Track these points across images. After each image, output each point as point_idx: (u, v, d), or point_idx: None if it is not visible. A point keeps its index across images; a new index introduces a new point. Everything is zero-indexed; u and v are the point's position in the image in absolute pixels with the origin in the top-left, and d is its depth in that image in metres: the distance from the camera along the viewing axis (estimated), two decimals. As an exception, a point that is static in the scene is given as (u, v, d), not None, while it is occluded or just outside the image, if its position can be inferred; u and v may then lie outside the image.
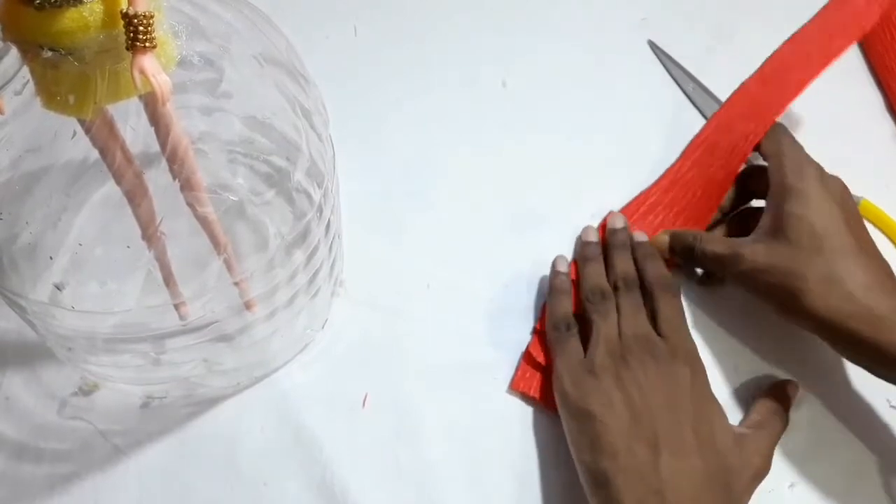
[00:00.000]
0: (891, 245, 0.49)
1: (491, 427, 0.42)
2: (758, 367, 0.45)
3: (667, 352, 0.40)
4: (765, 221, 0.43)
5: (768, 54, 0.57)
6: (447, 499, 0.40)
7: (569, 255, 0.48)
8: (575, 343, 0.42)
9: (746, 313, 0.46)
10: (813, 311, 0.39)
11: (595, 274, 0.45)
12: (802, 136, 0.53)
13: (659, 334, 0.41)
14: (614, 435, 0.37)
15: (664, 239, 0.46)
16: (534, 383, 0.43)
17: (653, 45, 0.59)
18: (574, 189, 0.51)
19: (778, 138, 0.46)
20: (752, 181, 0.48)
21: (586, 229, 0.48)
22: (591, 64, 0.57)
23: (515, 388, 0.43)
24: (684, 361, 0.40)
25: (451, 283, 0.47)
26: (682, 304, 0.43)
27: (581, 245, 0.47)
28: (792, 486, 0.41)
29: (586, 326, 0.43)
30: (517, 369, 0.43)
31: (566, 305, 0.44)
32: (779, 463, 0.41)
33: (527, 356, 0.44)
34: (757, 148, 0.47)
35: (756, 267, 0.41)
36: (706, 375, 0.40)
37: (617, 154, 0.53)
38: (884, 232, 0.50)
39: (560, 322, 0.43)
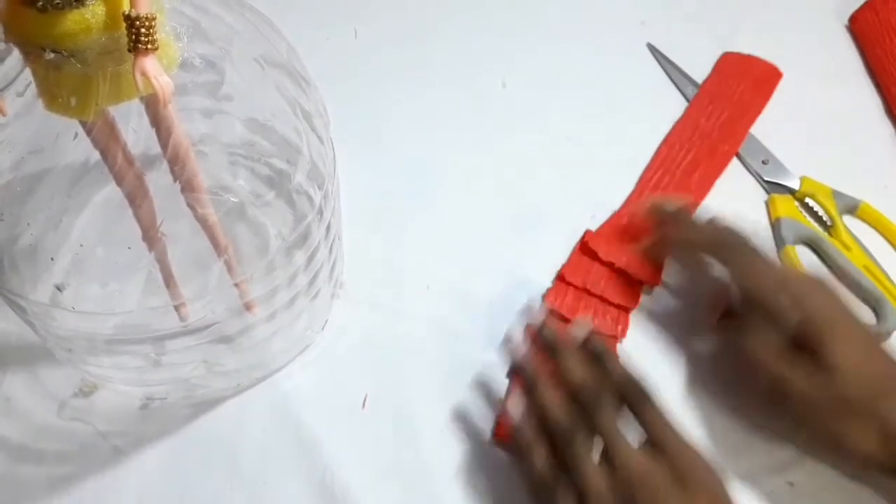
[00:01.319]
0: (889, 247, 0.49)
1: (490, 426, 0.42)
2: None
3: (671, 481, 0.34)
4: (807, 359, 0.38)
5: (767, 55, 0.58)
6: (447, 499, 0.40)
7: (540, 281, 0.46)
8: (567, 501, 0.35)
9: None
10: (857, 456, 0.37)
11: (550, 411, 0.38)
12: (802, 139, 0.53)
13: (653, 448, 0.36)
14: None
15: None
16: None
17: (652, 48, 0.59)
18: (573, 189, 0.51)
19: (754, 257, 0.41)
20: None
21: (509, 344, 0.42)
22: (591, 65, 0.58)
23: (498, 437, 0.41)
24: (692, 491, 0.34)
25: (451, 283, 0.47)
26: (660, 404, 0.37)
27: (517, 368, 0.41)
28: (791, 484, 0.41)
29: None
30: (497, 418, 0.41)
31: (539, 462, 0.37)
32: (779, 462, 0.41)
33: (503, 410, 0.41)
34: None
35: (805, 401, 0.38)
36: (722, 492, 0.36)
37: (616, 155, 0.53)
38: (882, 234, 0.50)
39: (539, 485, 0.37)
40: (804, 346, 0.38)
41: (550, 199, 0.51)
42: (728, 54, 0.58)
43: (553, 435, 0.37)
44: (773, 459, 0.41)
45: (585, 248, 0.47)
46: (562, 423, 0.37)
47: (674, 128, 0.54)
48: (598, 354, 0.39)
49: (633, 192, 0.51)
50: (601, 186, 0.51)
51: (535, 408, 0.39)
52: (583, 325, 0.41)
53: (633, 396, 0.37)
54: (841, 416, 0.37)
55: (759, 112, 0.55)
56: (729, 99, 0.55)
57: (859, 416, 0.37)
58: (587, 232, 0.48)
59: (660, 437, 0.36)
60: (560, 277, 0.47)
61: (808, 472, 0.41)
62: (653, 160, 0.52)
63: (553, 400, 0.38)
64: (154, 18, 0.25)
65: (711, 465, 0.36)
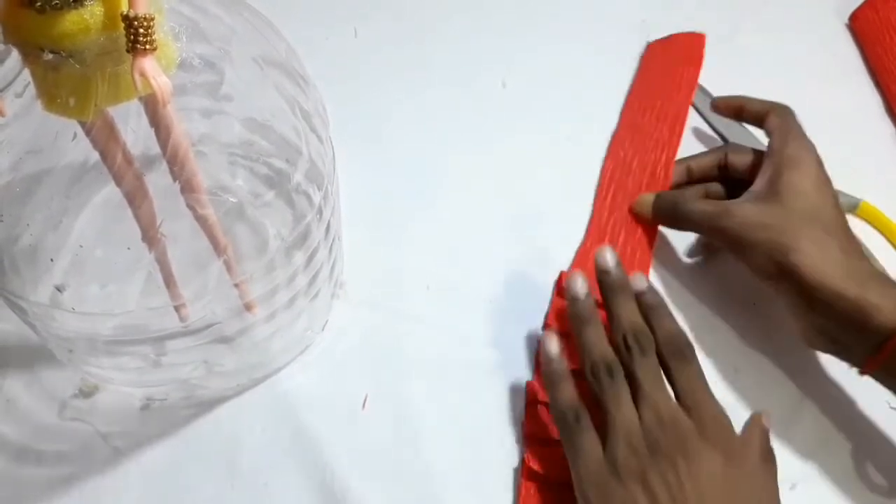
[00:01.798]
0: (890, 247, 0.49)
1: (491, 427, 0.42)
2: (759, 367, 0.45)
3: (694, 433, 0.36)
4: (759, 186, 0.43)
5: (767, 55, 0.58)
6: (447, 499, 0.40)
7: (550, 274, 0.46)
8: (589, 437, 0.36)
9: (748, 314, 0.46)
10: (802, 269, 0.39)
11: (596, 343, 0.39)
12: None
13: (683, 404, 0.37)
14: None
15: (649, 199, 0.47)
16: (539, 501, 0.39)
17: (652, 46, 0.59)
18: (574, 189, 0.51)
19: (787, 116, 0.46)
20: (737, 158, 0.47)
21: (573, 278, 0.41)
22: (591, 65, 0.58)
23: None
24: (714, 444, 0.35)
25: (451, 283, 0.47)
26: (700, 367, 0.38)
27: (570, 301, 0.41)
28: (793, 487, 0.41)
29: (594, 406, 0.37)
30: (519, 488, 0.40)
31: (568, 393, 0.38)
32: (780, 464, 0.41)
33: (526, 471, 0.40)
34: (757, 123, 0.47)
35: (746, 223, 0.41)
36: (742, 455, 0.36)
37: (616, 155, 0.53)
38: (882, 233, 0.50)
39: (566, 413, 0.37)
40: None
41: (550, 198, 0.51)
42: (651, 44, 0.58)
43: (593, 369, 0.38)
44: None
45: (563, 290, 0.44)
46: (608, 357, 0.38)
47: (612, 139, 0.53)
48: (652, 306, 0.40)
49: (592, 218, 0.49)
50: (601, 186, 0.51)
51: (582, 341, 0.39)
52: (640, 278, 0.42)
53: (677, 352, 0.38)
54: (787, 231, 0.40)
55: (692, 86, 0.54)
56: (659, 86, 0.55)
57: (804, 231, 0.40)
58: (562, 274, 0.45)
59: (691, 393, 0.37)
60: (546, 326, 0.45)
61: (809, 474, 0.41)
62: (601, 182, 0.50)
63: (602, 336, 0.39)
64: (152, 19, 0.25)
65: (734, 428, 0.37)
